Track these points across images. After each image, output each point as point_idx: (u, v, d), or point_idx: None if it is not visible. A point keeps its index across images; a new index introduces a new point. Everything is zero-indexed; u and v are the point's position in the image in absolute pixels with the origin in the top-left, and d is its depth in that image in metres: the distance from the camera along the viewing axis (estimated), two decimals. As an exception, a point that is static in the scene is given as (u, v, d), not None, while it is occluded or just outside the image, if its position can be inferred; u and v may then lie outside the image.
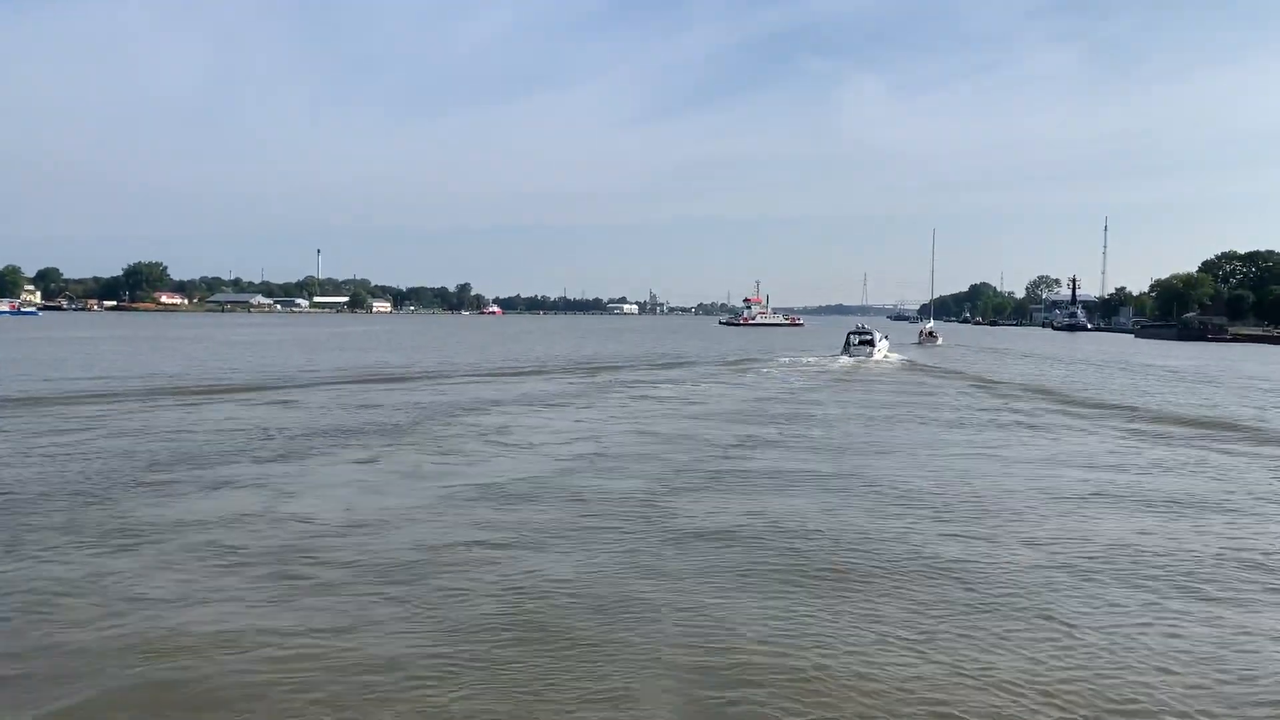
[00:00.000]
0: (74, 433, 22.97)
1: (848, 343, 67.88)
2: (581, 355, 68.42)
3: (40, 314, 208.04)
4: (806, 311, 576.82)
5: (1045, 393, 41.54)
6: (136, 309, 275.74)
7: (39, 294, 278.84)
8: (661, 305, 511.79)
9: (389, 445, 22.04)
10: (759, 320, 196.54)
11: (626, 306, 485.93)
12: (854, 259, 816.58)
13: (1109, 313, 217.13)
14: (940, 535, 14.18)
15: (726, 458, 21.13)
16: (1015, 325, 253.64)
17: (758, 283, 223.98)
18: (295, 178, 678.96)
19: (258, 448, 21.31)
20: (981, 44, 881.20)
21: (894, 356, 67.28)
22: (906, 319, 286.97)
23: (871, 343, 67.20)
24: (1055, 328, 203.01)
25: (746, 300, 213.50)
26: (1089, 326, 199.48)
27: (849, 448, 23.13)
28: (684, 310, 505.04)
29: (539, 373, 49.12)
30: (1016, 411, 32.88)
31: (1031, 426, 28.62)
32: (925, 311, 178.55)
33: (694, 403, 33.98)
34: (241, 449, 21.08)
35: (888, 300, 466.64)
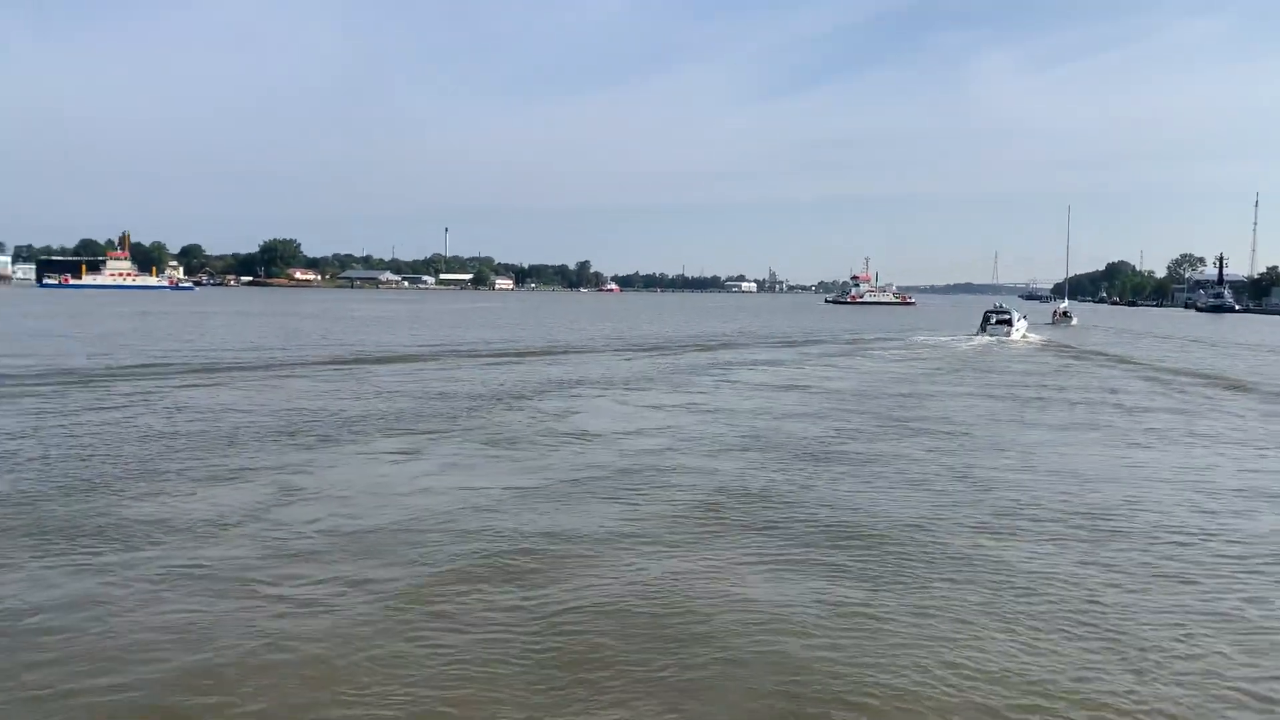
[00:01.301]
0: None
1: (985, 321, 66.63)
2: (640, 334, 67.25)
3: (196, 289, 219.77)
4: (933, 290, 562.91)
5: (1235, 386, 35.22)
6: (271, 284, 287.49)
7: (181, 269, 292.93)
8: (781, 283, 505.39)
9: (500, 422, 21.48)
10: (867, 298, 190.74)
11: (745, 284, 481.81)
12: (984, 237, 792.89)
13: (1259, 293, 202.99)
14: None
15: (811, 455, 19.74)
16: (1155, 306, 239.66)
17: (867, 259, 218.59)
18: (426, 158, 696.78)
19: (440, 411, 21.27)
20: (1122, 14, 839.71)
21: (1033, 336, 65.41)
22: (1038, 298, 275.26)
23: (1009, 322, 65.55)
24: (1199, 309, 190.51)
25: (855, 277, 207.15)
26: (1236, 308, 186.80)
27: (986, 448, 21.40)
28: (804, 288, 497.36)
29: (610, 351, 48.20)
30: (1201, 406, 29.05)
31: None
32: (1059, 291, 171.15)
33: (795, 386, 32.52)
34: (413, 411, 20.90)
35: (1019, 279, 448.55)
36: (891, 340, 63.42)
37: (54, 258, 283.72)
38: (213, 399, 24.99)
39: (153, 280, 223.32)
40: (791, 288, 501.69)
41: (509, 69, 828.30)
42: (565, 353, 46.14)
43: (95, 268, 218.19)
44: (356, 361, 37.77)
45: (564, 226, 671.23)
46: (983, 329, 65.82)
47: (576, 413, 24.11)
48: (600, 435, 20.41)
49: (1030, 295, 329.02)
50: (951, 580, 10.78)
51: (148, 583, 10.15)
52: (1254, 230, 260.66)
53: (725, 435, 20.91)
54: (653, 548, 11.90)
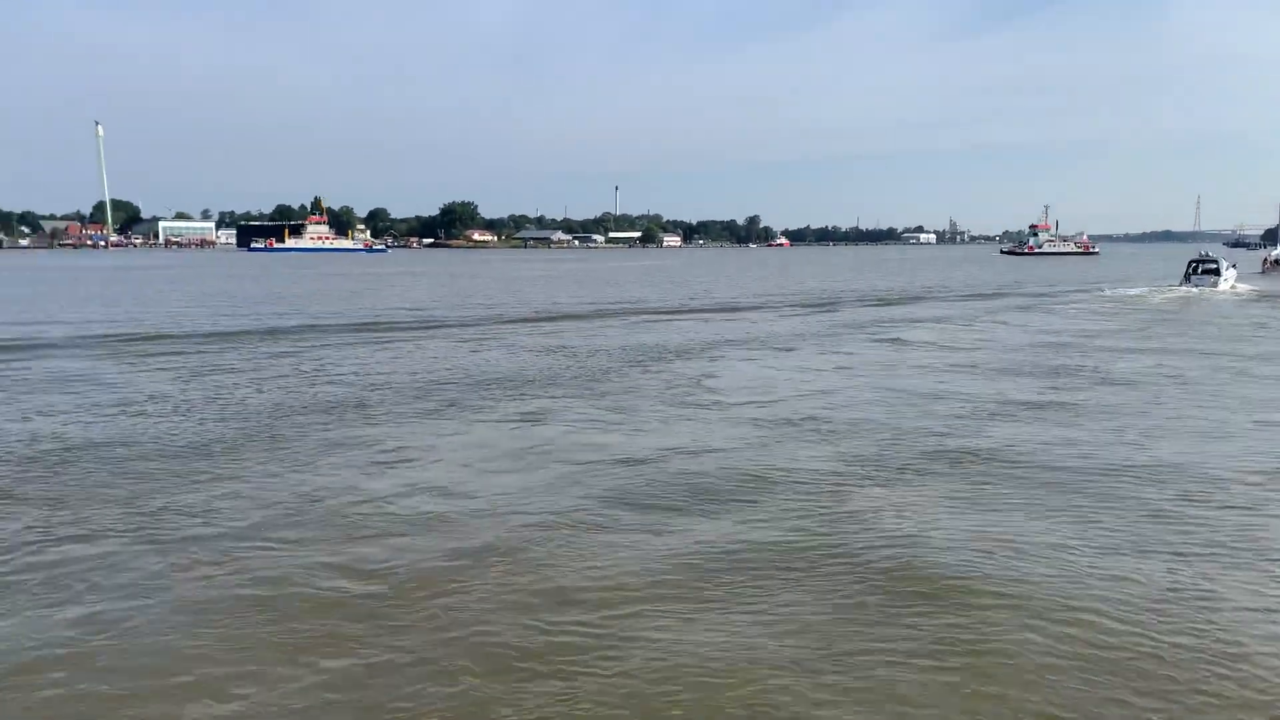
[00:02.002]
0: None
1: (1188, 271, 63.13)
2: (792, 290, 64.93)
3: (388, 251, 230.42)
4: (1127, 239, 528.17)
5: None
6: (450, 245, 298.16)
7: (368, 232, 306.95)
8: (962, 234, 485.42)
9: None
10: (1045, 249, 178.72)
11: (923, 236, 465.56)
12: (1184, 180, 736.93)
13: None
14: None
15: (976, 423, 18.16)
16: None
17: (1046, 207, 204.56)
18: (598, 117, 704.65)
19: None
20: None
21: (1242, 287, 61.08)
22: (1247, 246, 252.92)
23: (1217, 271, 61.69)
24: None
25: (1032, 227, 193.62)
26: None
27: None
28: (986, 239, 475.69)
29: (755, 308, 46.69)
30: None
31: None
32: (1271, 237, 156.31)
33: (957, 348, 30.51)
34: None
35: (1225, 225, 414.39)
36: (1068, 295, 59.24)
37: (253, 223, 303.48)
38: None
39: (348, 243, 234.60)
40: (973, 238, 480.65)
41: (681, 22, 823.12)
42: (715, 310, 45.23)
43: (297, 232, 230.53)
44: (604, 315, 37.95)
45: (733, 182, 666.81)
46: (1186, 279, 62.16)
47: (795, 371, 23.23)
48: (747, 397, 19.47)
49: (1237, 243, 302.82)
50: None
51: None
52: None
53: (871, 399, 19.56)
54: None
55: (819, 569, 9.67)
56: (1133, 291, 59.52)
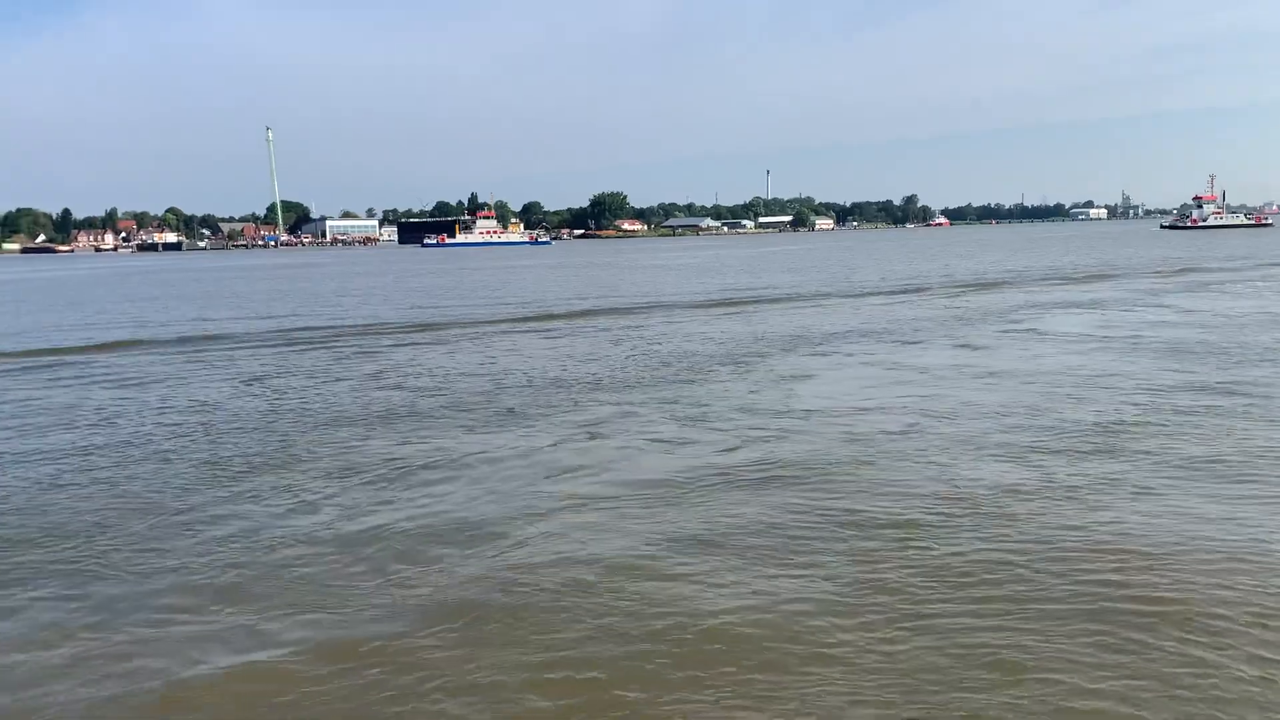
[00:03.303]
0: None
1: None
2: (921, 273, 60.58)
3: (552, 244, 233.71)
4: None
5: None
6: (600, 235, 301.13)
7: (522, 225, 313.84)
8: (1136, 208, 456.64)
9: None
10: (1211, 222, 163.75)
11: (1094, 211, 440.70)
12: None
13: None
14: None
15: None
16: None
17: (1212, 177, 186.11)
18: (748, 101, 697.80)
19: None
20: None
21: None
22: None
23: None
24: None
25: (1197, 198, 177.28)
26: None
27: None
28: (1164, 212, 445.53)
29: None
30: None
31: None
32: None
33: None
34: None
35: None
36: (1240, 272, 53.38)
37: (413, 219, 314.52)
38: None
39: (516, 236, 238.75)
40: (1149, 212, 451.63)
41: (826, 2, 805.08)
42: (843, 296, 42.52)
43: (467, 227, 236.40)
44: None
45: (889, 161, 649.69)
46: None
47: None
48: (829, 406, 17.28)
49: None
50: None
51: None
52: None
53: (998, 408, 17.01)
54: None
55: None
56: None
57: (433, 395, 19.36)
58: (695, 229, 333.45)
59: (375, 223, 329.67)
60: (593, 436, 15.16)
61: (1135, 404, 16.38)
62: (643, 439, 14.87)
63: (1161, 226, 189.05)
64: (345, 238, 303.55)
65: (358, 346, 28.72)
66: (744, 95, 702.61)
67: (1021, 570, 8.98)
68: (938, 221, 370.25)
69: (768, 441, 14.30)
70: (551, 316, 37.33)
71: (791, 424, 15.46)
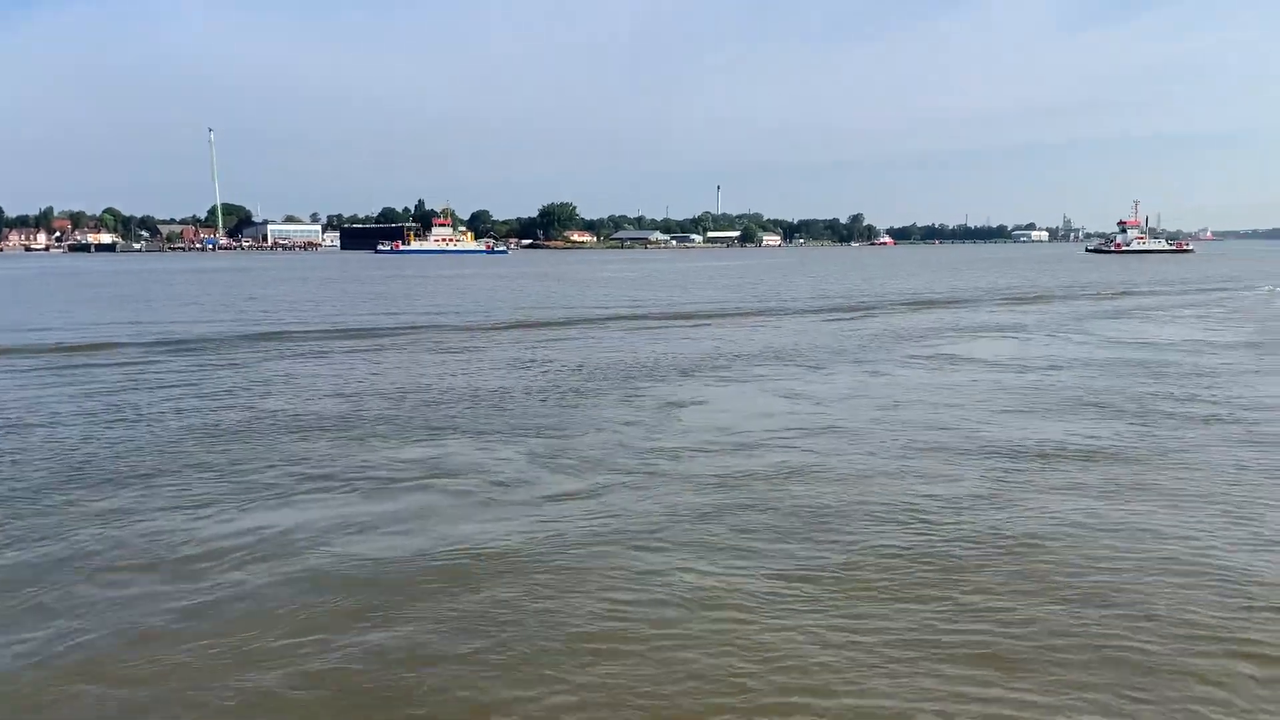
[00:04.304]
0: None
1: None
2: (862, 291, 60.32)
3: (509, 253, 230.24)
4: (1254, 235, 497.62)
5: None
6: (548, 246, 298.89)
7: (470, 234, 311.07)
8: (1076, 230, 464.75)
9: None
10: (1135, 247, 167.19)
11: (1035, 234, 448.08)
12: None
13: None
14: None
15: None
16: None
17: (1135, 203, 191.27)
18: (703, 117, 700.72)
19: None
20: None
21: None
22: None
23: None
24: None
25: (1122, 224, 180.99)
26: None
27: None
28: (1101, 235, 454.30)
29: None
30: None
31: None
32: None
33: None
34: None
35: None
36: (1160, 295, 53.64)
37: (358, 225, 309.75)
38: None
39: (472, 244, 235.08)
40: (1088, 234, 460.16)
41: (789, 22, 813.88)
42: (757, 314, 41.69)
43: (422, 234, 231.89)
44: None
45: (836, 180, 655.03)
46: None
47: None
48: (730, 433, 16.18)
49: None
50: None
51: None
52: None
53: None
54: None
55: None
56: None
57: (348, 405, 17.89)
58: (644, 242, 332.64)
59: (319, 228, 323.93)
60: (428, 475, 13.83)
61: (1019, 437, 15.54)
62: (472, 484, 13.33)
63: (1088, 250, 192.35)
64: (286, 242, 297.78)
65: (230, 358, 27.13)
66: (698, 112, 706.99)
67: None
68: (882, 241, 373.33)
69: (609, 492, 12.86)
70: (467, 329, 35.98)
71: (653, 465, 14.16)
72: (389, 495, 12.61)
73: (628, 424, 17.02)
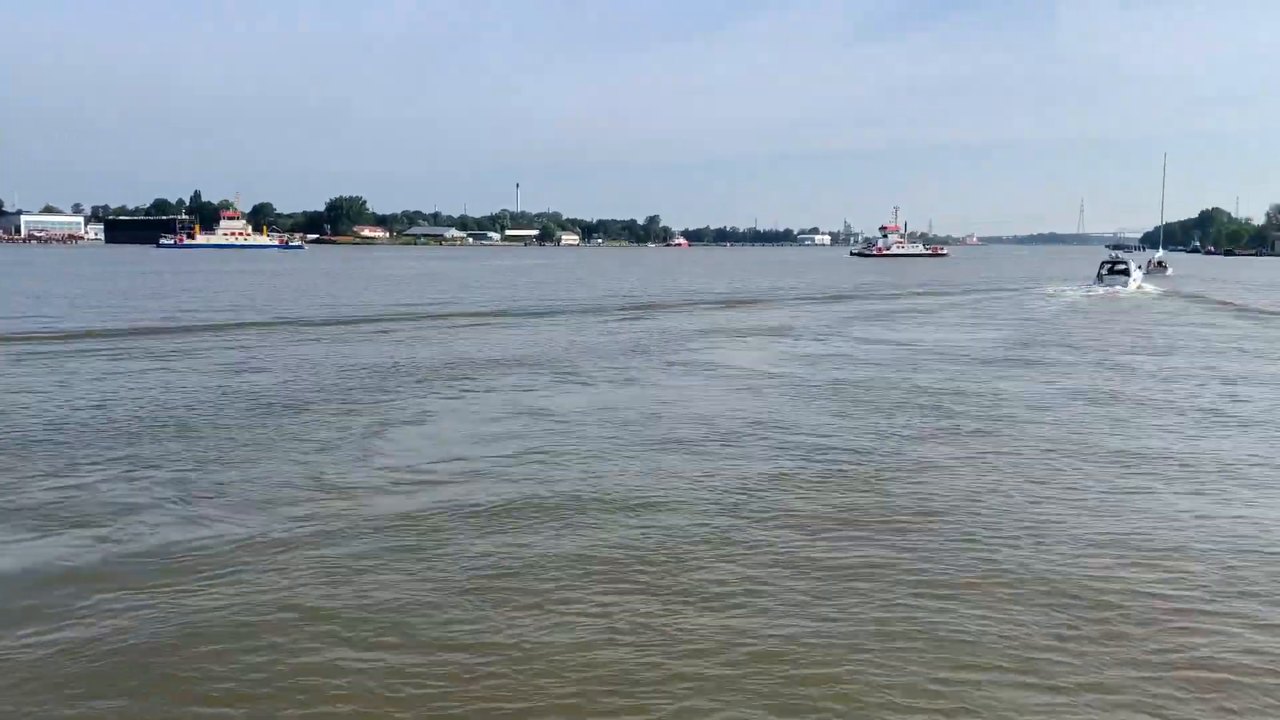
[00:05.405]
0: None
1: (1100, 273, 66.42)
2: (640, 291, 60.38)
3: (305, 249, 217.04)
4: (1015, 240, 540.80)
5: None
6: (336, 242, 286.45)
7: (250, 228, 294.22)
8: (856, 234, 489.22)
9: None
10: (894, 250, 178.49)
11: (818, 238, 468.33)
12: (1070, 185, 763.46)
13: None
14: None
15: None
16: (1254, 255, 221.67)
17: (896, 209, 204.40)
18: (505, 113, 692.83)
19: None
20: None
21: (1149, 287, 65.04)
22: (1126, 248, 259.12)
23: (1126, 272, 65.03)
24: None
25: (883, 228, 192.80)
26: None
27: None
28: (869, 239, 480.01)
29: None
30: None
31: None
32: (1149, 240, 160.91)
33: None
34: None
35: (1105, 228, 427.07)
36: (924, 297, 55.84)
37: (126, 217, 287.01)
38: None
39: (264, 239, 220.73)
40: (867, 238, 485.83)
41: (587, 23, 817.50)
42: (542, 315, 39.96)
43: (208, 227, 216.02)
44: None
45: (635, 181, 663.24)
46: (1099, 280, 65.06)
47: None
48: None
49: (1118, 245, 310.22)
50: None
51: None
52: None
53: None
54: None
55: None
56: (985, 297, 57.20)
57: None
58: (439, 239, 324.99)
59: (81, 220, 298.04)
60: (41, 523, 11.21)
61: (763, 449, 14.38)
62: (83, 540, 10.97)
63: (851, 254, 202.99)
64: (43, 234, 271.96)
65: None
66: (500, 110, 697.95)
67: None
68: (677, 242, 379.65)
69: (249, 550, 10.84)
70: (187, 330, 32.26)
71: (319, 508, 11.97)
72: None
73: (321, 450, 14.69)
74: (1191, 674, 7.55)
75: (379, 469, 13.63)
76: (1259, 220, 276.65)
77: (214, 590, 9.03)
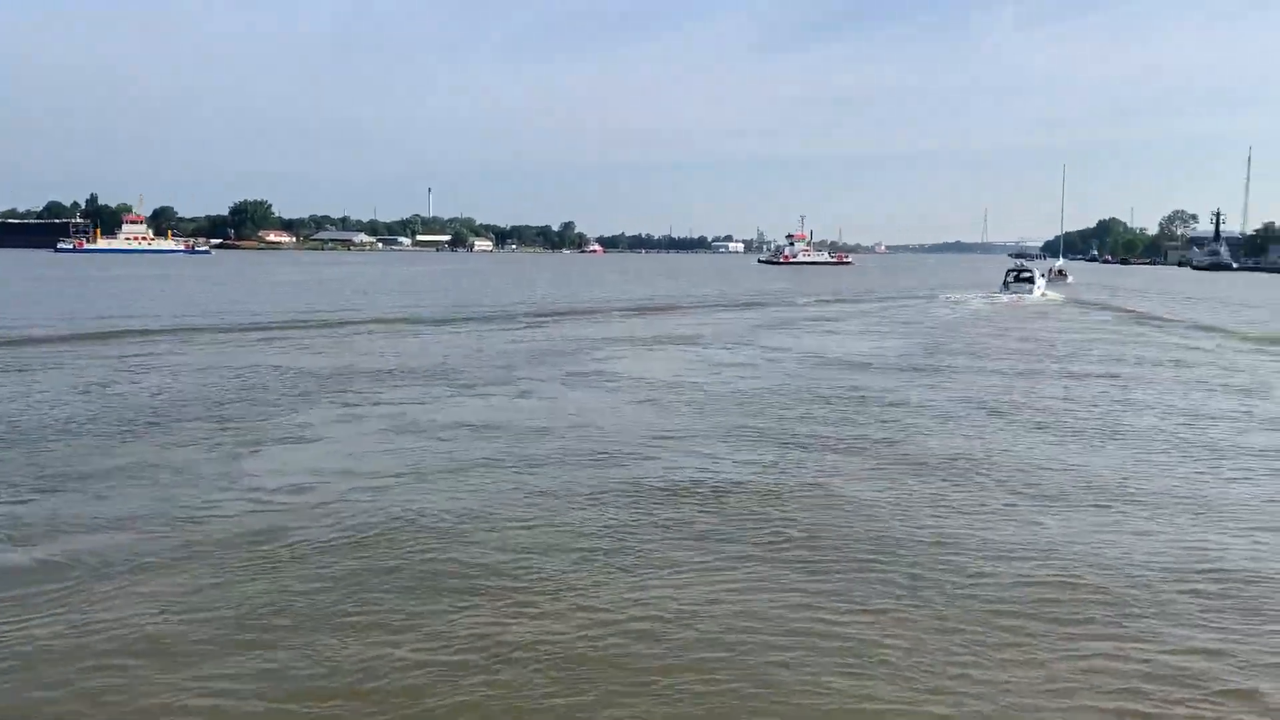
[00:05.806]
0: None
1: (1006, 281, 68.38)
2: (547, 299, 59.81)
3: (211, 253, 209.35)
4: (922, 249, 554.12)
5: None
6: (240, 246, 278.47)
7: (151, 231, 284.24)
8: (769, 243, 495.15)
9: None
10: (800, 258, 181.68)
11: (732, 245, 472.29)
12: (974, 195, 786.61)
13: (1255, 250, 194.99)
14: None
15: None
16: (1148, 264, 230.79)
17: (802, 218, 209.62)
18: (416, 117, 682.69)
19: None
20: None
21: (1053, 294, 67.20)
22: (1028, 257, 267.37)
23: (1031, 280, 67.14)
24: (1195, 267, 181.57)
25: (790, 237, 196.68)
26: (1234, 265, 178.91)
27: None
28: (776, 248, 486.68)
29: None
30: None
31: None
32: (1050, 248, 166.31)
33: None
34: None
35: (1009, 237, 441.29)
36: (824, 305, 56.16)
37: (13, 221, 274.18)
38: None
39: (169, 244, 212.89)
40: (779, 247, 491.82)
41: (500, 27, 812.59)
42: (446, 322, 38.77)
43: (110, 231, 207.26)
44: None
45: (550, 187, 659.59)
46: (1005, 288, 66.96)
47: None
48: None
49: (1020, 253, 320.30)
50: None
51: None
52: (1246, 186, 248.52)
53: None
54: None
55: None
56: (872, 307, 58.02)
57: None
58: (347, 244, 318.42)
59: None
60: None
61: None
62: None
63: (759, 261, 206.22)
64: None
65: None
66: (411, 114, 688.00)
67: None
68: (592, 249, 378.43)
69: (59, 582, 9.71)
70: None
71: (164, 536, 10.86)
72: None
73: (178, 473, 13.48)
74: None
75: (242, 491, 12.51)
76: (1153, 230, 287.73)
77: (47, 619, 7.92)
